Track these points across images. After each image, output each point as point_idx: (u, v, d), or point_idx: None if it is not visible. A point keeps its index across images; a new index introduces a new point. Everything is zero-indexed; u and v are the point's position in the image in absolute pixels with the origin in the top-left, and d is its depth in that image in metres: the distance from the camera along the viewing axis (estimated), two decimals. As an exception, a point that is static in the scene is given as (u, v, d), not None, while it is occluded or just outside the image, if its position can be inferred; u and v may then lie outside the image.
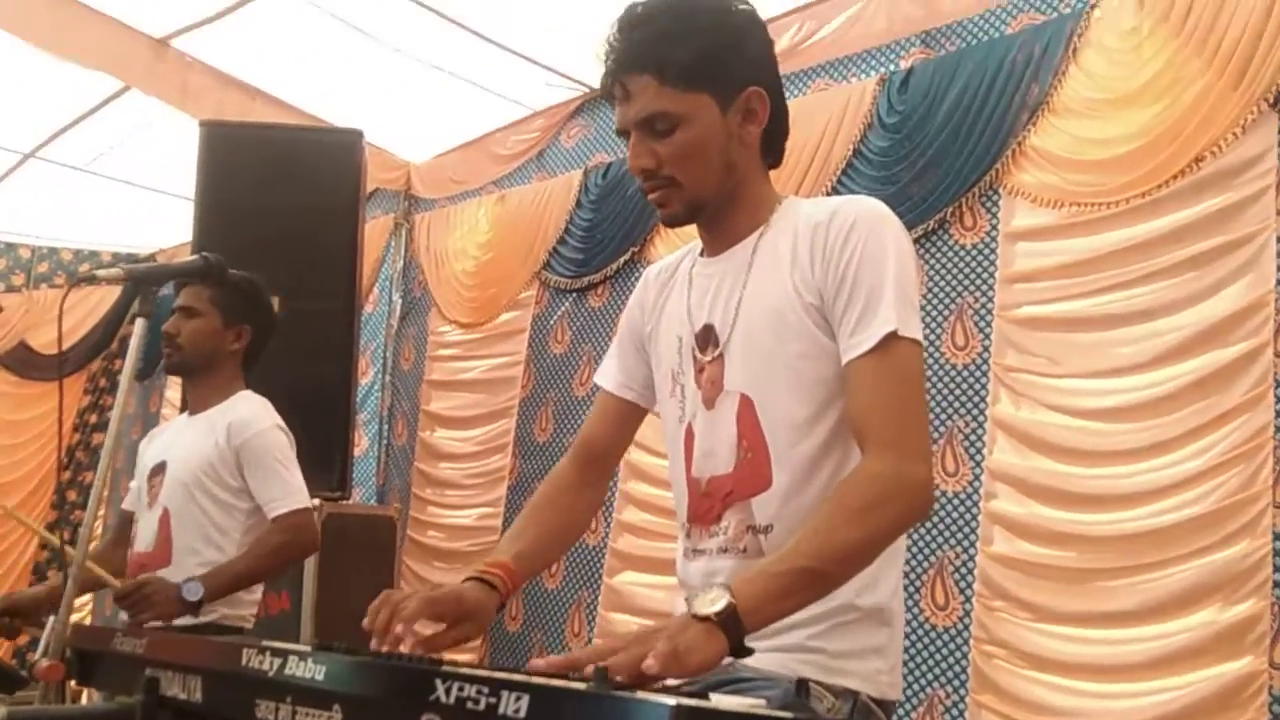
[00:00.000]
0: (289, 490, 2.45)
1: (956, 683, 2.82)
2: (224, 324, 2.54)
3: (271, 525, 2.42)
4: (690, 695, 0.95)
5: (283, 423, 2.56)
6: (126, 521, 2.66)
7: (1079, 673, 2.61)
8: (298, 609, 3.77)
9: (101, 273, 1.92)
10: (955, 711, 2.80)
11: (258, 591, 2.53)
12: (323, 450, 4.01)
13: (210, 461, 2.45)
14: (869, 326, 1.30)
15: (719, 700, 0.95)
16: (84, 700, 2.38)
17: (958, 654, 2.84)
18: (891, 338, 1.29)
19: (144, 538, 2.50)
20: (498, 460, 4.38)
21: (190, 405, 2.66)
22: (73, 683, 1.62)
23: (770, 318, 1.39)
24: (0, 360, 6.28)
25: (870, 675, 1.30)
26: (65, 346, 6.08)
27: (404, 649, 1.22)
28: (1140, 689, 2.50)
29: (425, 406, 4.79)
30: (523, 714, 0.81)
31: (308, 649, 1.10)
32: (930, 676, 2.87)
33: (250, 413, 2.52)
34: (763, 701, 0.97)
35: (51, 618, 1.67)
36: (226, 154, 4.11)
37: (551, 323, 4.30)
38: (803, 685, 0.94)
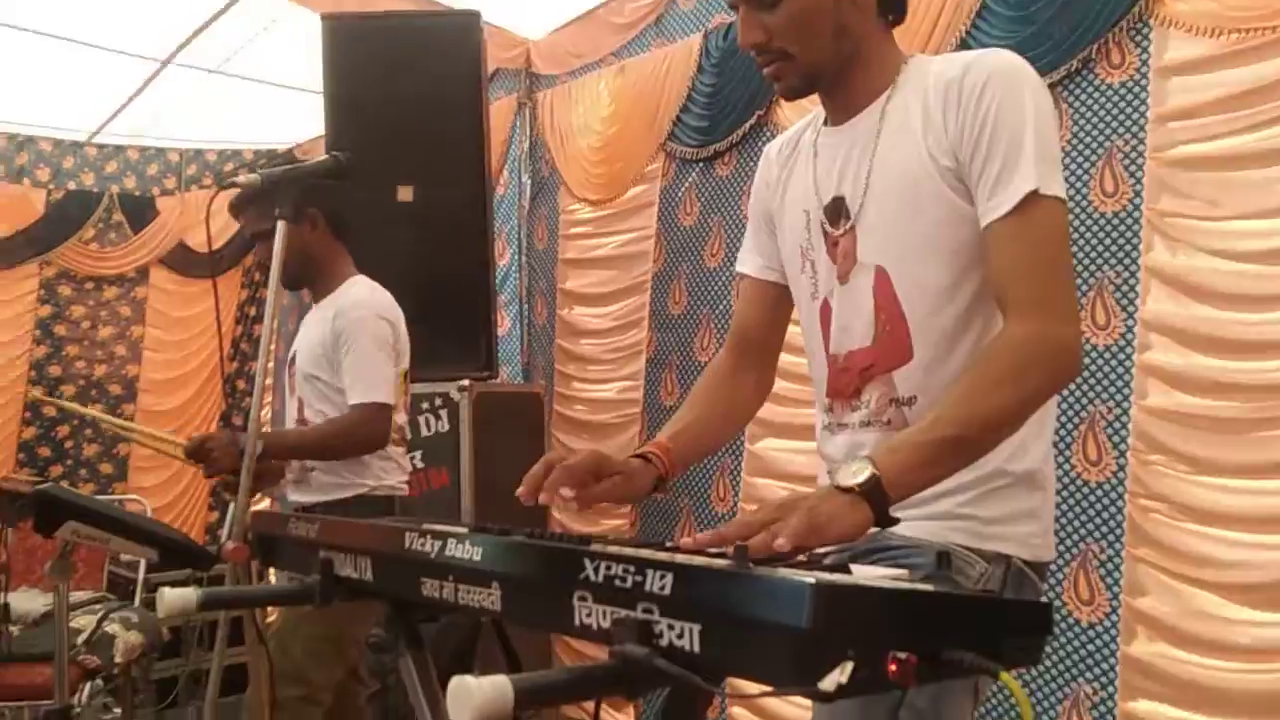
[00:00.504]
0: (369, 381, 2.49)
1: (1111, 537, 2.78)
2: (293, 223, 2.58)
3: (348, 410, 2.50)
4: (833, 567, 0.97)
5: (389, 312, 2.59)
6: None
7: (1240, 524, 2.53)
8: (456, 484, 3.96)
9: (241, 179, 2.00)
10: (1110, 565, 2.77)
11: (399, 459, 2.63)
12: (468, 332, 4.15)
13: (324, 351, 2.53)
14: (1008, 186, 1.25)
15: (859, 572, 0.97)
16: (270, 580, 2.59)
17: (1111, 509, 2.79)
18: (1032, 197, 1.24)
19: (288, 425, 2.65)
20: (634, 335, 4.43)
21: (312, 299, 2.77)
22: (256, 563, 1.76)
23: (903, 185, 1.34)
24: (163, 261, 6.63)
25: (1023, 539, 1.30)
26: (218, 245, 6.37)
27: (557, 501, 1.26)
28: (1306, 539, 2.42)
29: (561, 285, 4.86)
30: (667, 591, 0.85)
31: (465, 531, 1.16)
32: (1084, 532, 2.83)
33: (353, 300, 2.57)
34: (906, 571, 0.98)
35: (232, 504, 1.81)
36: (349, 46, 4.16)
37: (679, 195, 4.27)
38: (946, 556, 0.95)
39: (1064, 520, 2.84)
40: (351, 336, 2.50)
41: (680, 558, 0.92)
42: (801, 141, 1.52)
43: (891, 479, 1.11)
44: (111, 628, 2.93)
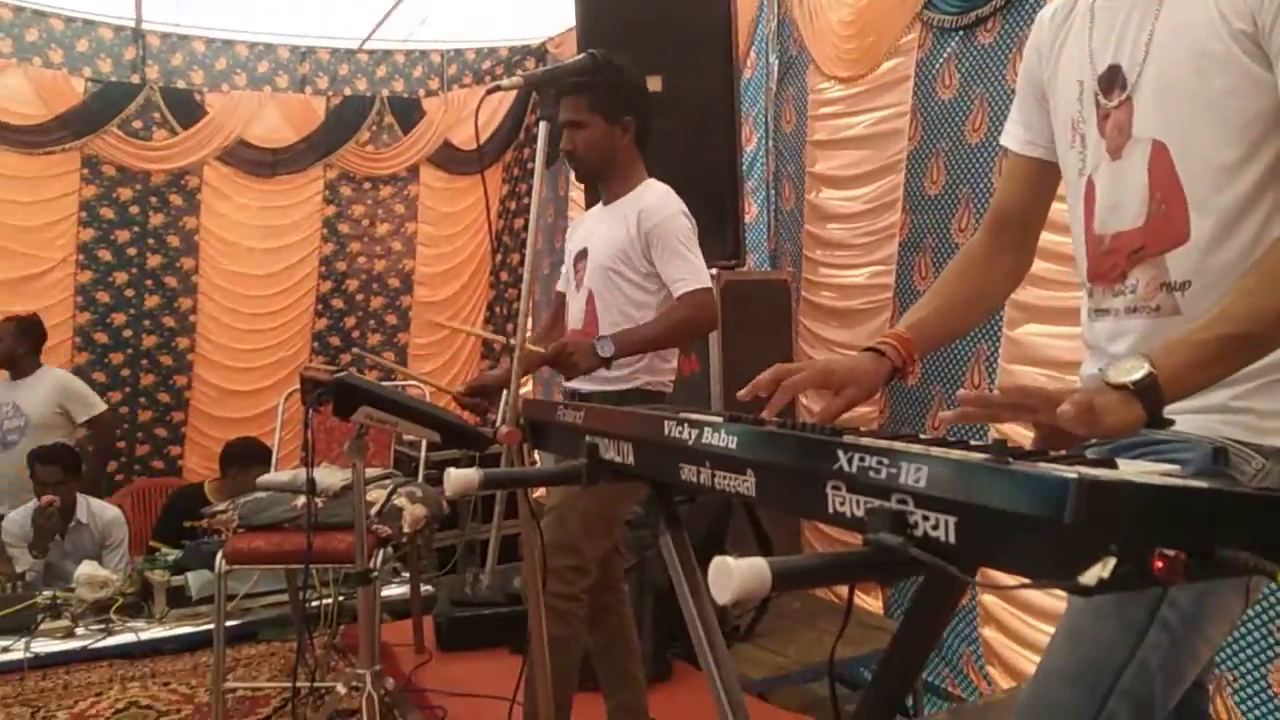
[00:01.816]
0: (692, 270, 2.61)
1: None
2: (608, 123, 2.68)
3: (676, 301, 2.61)
4: (1097, 461, 0.95)
5: (685, 209, 2.71)
6: (560, 302, 2.97)
7: None
8: (706, 371, 4.06)
9: (505, 83, 2.10)
10: None
11: (673, 360, 2.75)
12: (715, 220, 4.17)
13: (623, 248, 2.66)
14: None
15: (1126, 468, 0.94)
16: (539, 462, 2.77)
17: None
18: None
19: (575, 316, 2.80)
20: (888, 217, 4.31)
21: (604, 198, 2.86)
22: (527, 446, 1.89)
23: (1190, 51, 1.23)
24: (431, 159, 7.02)
25: None
26: (481, 143, 6.67)
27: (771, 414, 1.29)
28: None
29: (810, 168, 4.78)
30: (922, 484, 0.86)
31: (720, 420, 1.21)
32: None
33: (656, 200, 2.69)
34: (1177, 467, 0.94)
35: (505, 392, 1.96)
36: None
37: (937, 66, 4.06)
38: (1221, 452, 0.90)
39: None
40: (665, 233, 2.64)
41: (936, 451, 0.93)
42: (1078, 5, 1.42)
43: (1168, 378, 1.06)
44: (399, 501, 3.23)
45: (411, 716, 3.07)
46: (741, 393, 1.34)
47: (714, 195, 4.18)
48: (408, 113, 6.94)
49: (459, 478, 1.37)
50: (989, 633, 3.65)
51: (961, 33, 3.92)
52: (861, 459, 0.93)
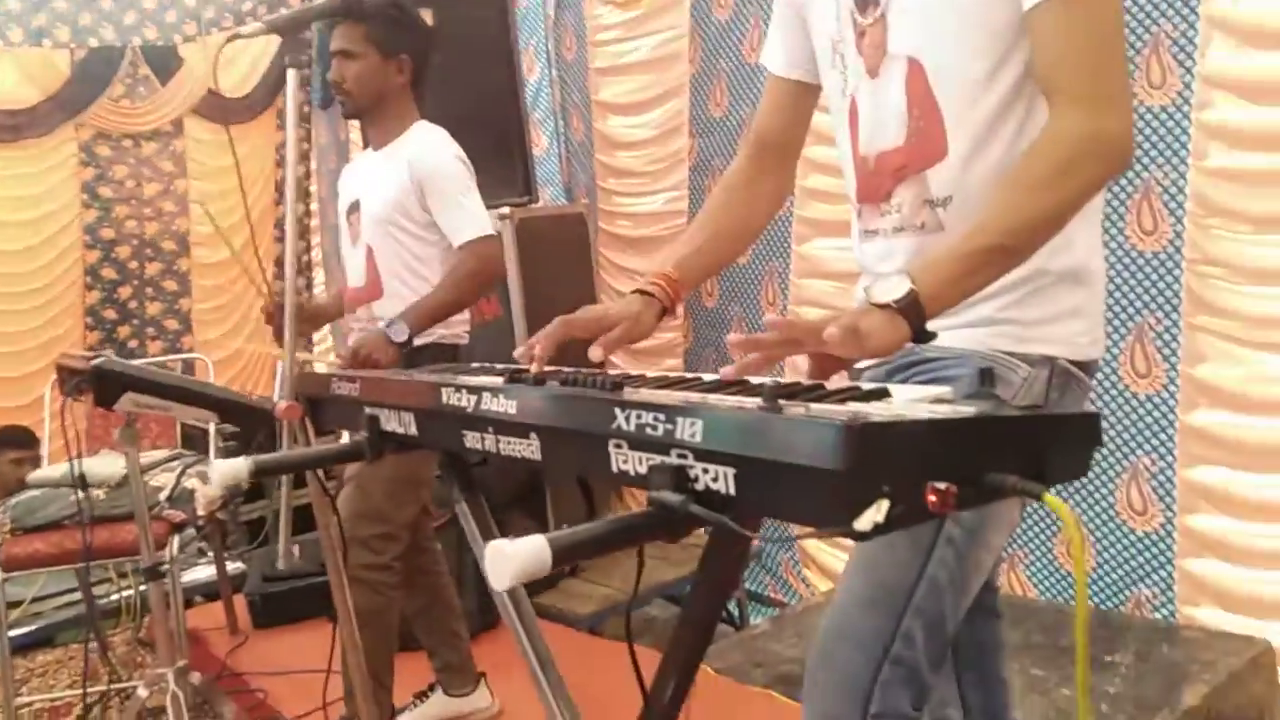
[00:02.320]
0: (471, 218, 2.50)
1: (1168, 307, 2.72)
2: (383, 58, 2.53)
3: (460, 253, 2.50)
4: (871, 392, 0.95)
5: (461, 152, 2.58)
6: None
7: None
8: (509, 312, 3.98)
9: (245, 30, 1.93)
10: (1167, 336, 2.72)
11: (466, 313, 2.66)
12: (503, 156, 4.06)
13: (399, 199, 2.52)
14: None
15: (899, 394, 0.95)
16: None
17: (1168, 278, 2.71)
18: None
19: (353, 273, 2.65)
20: (675, 142, 4.31)
21: (372, 141, 2.71)
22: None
23: None
24: (196, 110, 6.54)
25: (1068, 339, 1.25)
26: (248, 89, 6.27)
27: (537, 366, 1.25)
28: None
29: (595, 96, 4.71)
30: (698, 439, 0.84)
31: (499, 383, 1.16)
32: (1139, 305, 2.77)
33: (428, 145, 2.55)
34: (948, 389, 0.96)
35: (280, 363, 1.84)
36: None
37: (711, -14, 4.05)
38: (987, 373, 0.91)
39: (1118, 294, 2.78)
40: (440, 179, 2.50)
41: (712, 399, 0.91)
42: None
43: (929, 293, 1.07)
44: (190, 482, 3.05)
45: (225, 708, 2.94)
46: (518, 352, 1.29)
47: (498, 130, 4.05)
48: (164, 62, 6.42)
49: (225, 470, 1.27)
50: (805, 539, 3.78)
51: (732, -50, 3.91)
52: (639, 415, 0.90)
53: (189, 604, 3.65)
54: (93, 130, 6.34)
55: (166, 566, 2.59)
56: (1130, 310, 2.79)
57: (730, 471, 0.83)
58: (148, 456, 3.10)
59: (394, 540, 2.47)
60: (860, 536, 0.73)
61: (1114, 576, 2.89)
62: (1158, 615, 2.75)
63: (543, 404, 1.05)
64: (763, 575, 4.06)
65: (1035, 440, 0.85)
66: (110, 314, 6.49)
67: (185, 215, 6.68)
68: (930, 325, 1.08)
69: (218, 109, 6.54)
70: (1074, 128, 1.12)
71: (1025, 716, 2.38)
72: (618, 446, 0.94)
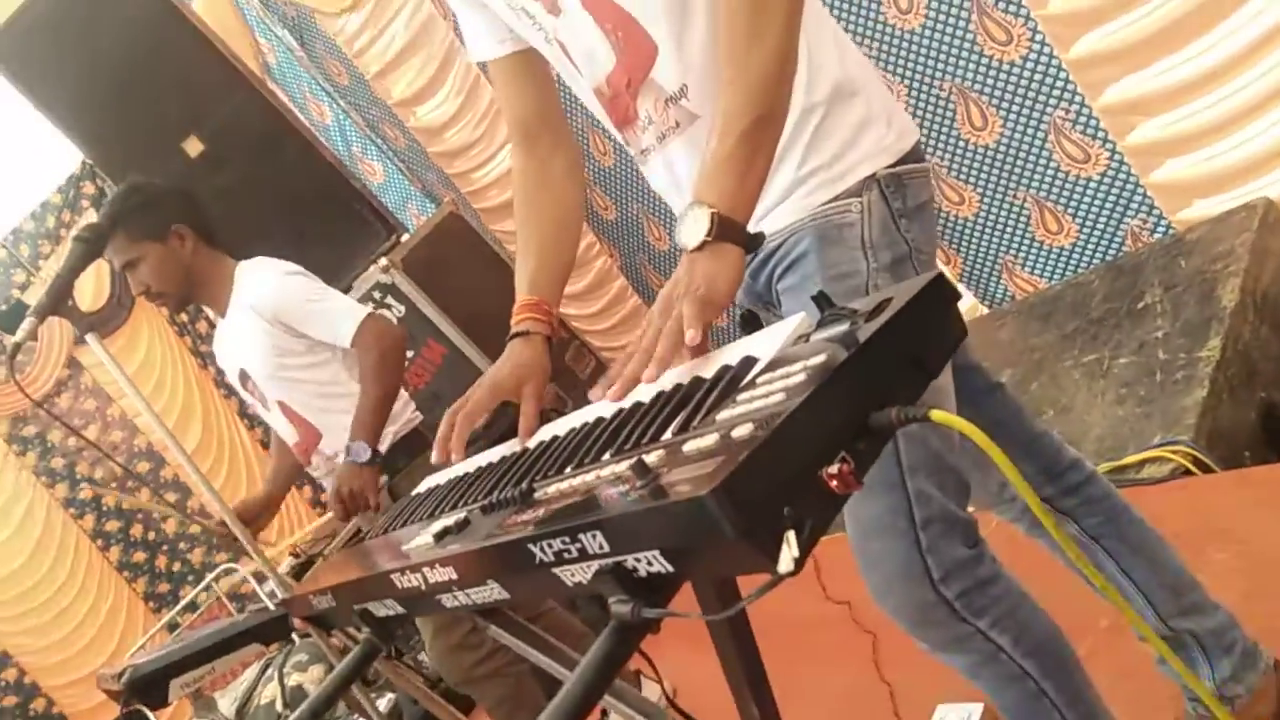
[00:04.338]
0: (340, 315, 2.43)
1: None
2: (161, 243, 2.43)
3: (355, 351, 2.43)
4: (729, 372, 0.90)
5: (289, 265, 2.50)
6: (268, 427, 2.77)
7: None
8: (454, 346, 3.89)
9: (18, 336, 1.83)
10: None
11: (402, 395, 2.60)
12: (347, 216, 3.92)
13: (270, 345, 2.45)
14: None
15: (757, 344, 0.91)
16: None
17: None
18: None
19: (284, 431, 2.60)
20: (484, 98, 4.19)
21: (215, 310, 2.62)
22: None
23: None
24: (78, 340, 6.42)
25: (874, 151, 1.20)
26: (105, 296, 6.15)
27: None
28: None
29: (390, 100, 4.55)
30: (606, 549, 0.80)
31: (430, 544, 1.12)
32: None
33: (257, 283, 2.47)
34: (802, 315, 0.91)
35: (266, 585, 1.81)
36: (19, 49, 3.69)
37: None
38: (822, 298, 0.85)
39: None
40: (288, 304, 2.42)
41: (599, 508, 0.85)
42: None
43: (729, 205, 1.01)
44: (292, 679, 3.06)
45: None
46: (434, 457, 1.25)
47: (329, 195, 3.92)
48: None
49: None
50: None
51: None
52: (550, 544, 0.86)
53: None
54: (5, 420, 6.27)
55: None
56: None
57: (655, 553, 0.79)
58: (236, 685, 3.11)
59: (479, 630, 2.48)
60: (791, 574, 0.69)
61: (1098, 230, 2.84)
62: (1158, 237, 2.71)
63: (475, 560, 1.01)
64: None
65: (896, 345, 0.80)
66: (139, 557, 6.50)
67: (138, 432, 6.63)
68: (751, 228, 1.04)
69: (94, 324, 6.40)
70: None
71: (1102, 404, 2.37)
72: (556, 567, 0.90)
